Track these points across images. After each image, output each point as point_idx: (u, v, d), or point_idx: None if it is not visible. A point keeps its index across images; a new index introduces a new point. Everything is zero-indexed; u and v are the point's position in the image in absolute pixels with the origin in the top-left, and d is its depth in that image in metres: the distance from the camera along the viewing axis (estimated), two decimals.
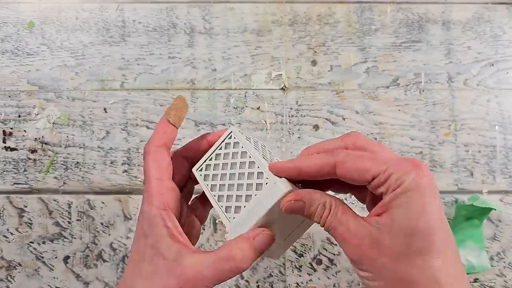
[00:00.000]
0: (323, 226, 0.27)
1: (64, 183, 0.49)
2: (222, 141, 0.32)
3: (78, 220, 0.49)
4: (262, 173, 0.28)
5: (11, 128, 0.50)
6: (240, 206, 0.29)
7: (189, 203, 0.35)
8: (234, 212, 0.29)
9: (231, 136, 0.32)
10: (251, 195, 0.28)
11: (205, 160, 0.32)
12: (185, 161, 0.33)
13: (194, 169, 0.33)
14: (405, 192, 0.24)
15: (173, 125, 0.31)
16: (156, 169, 0.29)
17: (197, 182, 0.33)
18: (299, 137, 0.50)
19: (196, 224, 0.33)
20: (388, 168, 0.24)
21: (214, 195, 0.31)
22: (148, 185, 0.28)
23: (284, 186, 0.27)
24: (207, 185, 0.31)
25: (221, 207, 0.30)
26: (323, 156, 0.27)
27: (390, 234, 0.24)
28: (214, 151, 0.32)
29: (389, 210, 0.24)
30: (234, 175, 0.30)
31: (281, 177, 0.28)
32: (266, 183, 0.28)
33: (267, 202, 0.27)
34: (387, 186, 0.24)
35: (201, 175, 0.32)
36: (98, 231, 0.49)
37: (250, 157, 0.30)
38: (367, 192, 0.29)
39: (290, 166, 0.27)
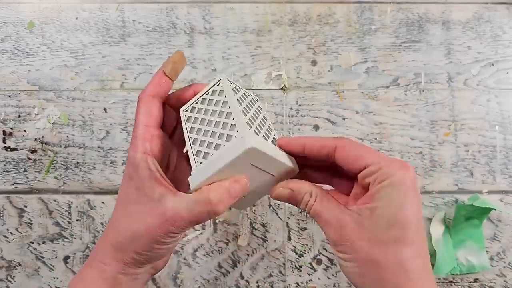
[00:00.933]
0: (309, 212, 0.29)
1: (64, 183, 0.49)
2: (211, 87, 0.33)
3: (78, 220, 0.49)
4: (234, 125, 0.29)
5: (11, 128, 0.50)
6: (209, 153, 0.30)
7: (184, 151, 0.36)
8: (202, 158, 0.30)
9: (219, 84, 0.32)
10: (221, 144, 0.29)
11: (192, 103, 0.33)
12: (173, 110, 0.34)
13: (181, 110, 0.33)
14: (390, 185, 0.26)
15: (169, 77, 0.32)
16: (145, 116, 0.31)
17: None
18: None
19: (187, 170, 0.34)
20: (380, 161, 0.27)
21: (191, 137, 0.31)
22: (135, 131, 0.30)
23: (249, 141, 0.27)
24: (188, 126, 0.32)
25: (193, 149, 0.31)
26: (327, 138, 0.30)
27: (371, 221, 0.27)
28: (201, 95, 0.33)
29: (372, 201, 0.27)
30: (212, 122, 0.31)
31: (258, 136, 0.29)
32: (235, 136, 0.28)
33: (229, 154, 0.28)
34: (375, 177, 0.27)
35: (185, 115, 0.33)
36: (98, 231, 0.49)
37: (229, 108, 0.30)
38: (355, 185, 0.31)
39: (296, 141, 0.30)
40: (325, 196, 0.29)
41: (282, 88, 0.51)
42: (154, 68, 0.51)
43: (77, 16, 0.52)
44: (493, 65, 0.52)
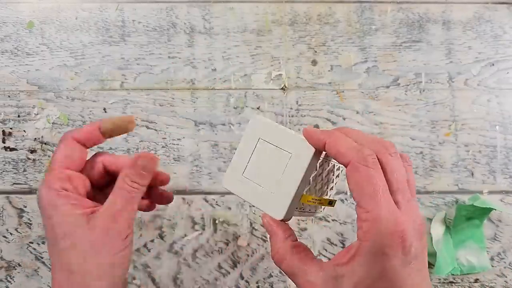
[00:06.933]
0: None
1: None
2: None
3: None
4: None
5: (11, 128, 0.50)
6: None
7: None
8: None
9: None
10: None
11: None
12: (103, 169, 0.35)
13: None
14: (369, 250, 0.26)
15: (102, 133, 0.33)
16: (64, 158, 0.32)
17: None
18: None
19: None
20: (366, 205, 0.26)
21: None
22: (50, 173, 0.31)
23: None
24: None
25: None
26: (322, 132, 0.29)
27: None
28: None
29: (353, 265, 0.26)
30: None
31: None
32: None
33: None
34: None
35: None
36: None
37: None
38: None
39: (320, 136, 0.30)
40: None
41: (282, 88, 0.51)
42: (154, 68, 0.51)
43: (76, 16, 0.52)
44: (493, 65, 0.52)
